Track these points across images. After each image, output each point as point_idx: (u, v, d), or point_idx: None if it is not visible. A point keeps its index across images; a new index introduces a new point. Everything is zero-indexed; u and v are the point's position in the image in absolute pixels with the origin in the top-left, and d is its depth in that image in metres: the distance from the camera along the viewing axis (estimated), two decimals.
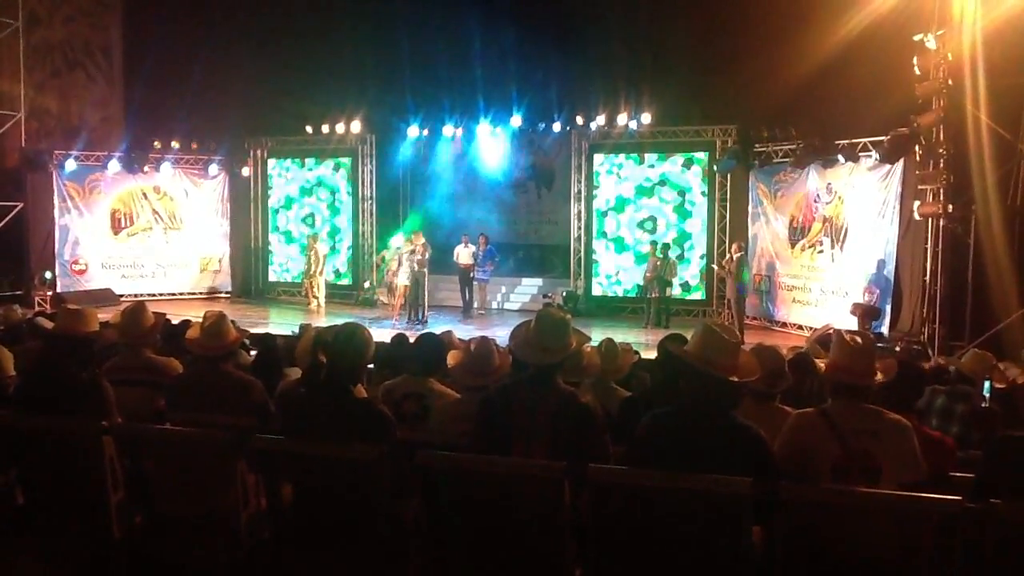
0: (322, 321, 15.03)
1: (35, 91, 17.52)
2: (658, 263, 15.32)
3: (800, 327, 14.17)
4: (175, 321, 6.24)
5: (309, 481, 3.49)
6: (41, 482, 3.91)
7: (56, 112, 18.21)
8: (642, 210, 16.70)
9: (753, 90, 14.28)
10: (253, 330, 9.44)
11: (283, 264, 19.43)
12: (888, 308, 12.58)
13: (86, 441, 3.75)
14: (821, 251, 14.09)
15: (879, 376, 3.42)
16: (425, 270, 15.41)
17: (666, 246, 15.84)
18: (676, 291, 15.72)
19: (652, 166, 16.70)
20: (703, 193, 16.28)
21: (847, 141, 13.19)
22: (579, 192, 17.17)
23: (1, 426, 3.91)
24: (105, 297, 16.95)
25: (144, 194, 18.52)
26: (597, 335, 5.27)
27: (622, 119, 16.38)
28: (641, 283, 15.98)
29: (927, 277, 11.84)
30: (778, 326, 14.96)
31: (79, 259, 17.87)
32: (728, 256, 14.56)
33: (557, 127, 17.11)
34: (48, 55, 17.77)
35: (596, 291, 17.17)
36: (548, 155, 18.62)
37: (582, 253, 17.13)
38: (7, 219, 16.95)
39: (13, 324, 7.24)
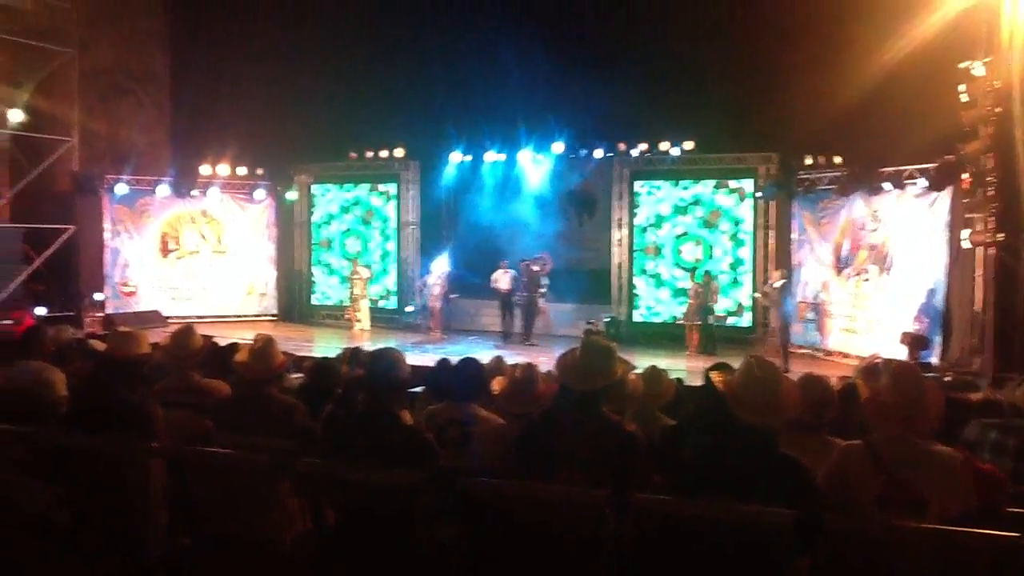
0: (366, 345, 15.12)
1: (87, 116, 17.98)
2: (699, 289, 15.22)
3: (848, 356, 13.96)
4: (222, 343, 6.32)
5: (352, 505, 3.50)
6: (88, 501, 3.97)
7: (106, 137, 18.68)
8: (686, 242, 16.62)
9: (796, 117, 14.19)
10: (298, 353, 9.54)
11: (325, 292, 19.63)
12: (938, 337, 12.34)
13: (133, 462, 3.81)
14: (868, 279, 13.89)
15: (927, 412, 3.34)
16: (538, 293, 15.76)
17: (707, 272, 15.75)
18: (719, 316, 15.54)
19: (692, 192, 16.65)
20: (745, 221, 16.17)
21: (893, 168, 13.04)
22: (620, 218, 17.14)
23: (51, 445, 3.99)
24: (153, 319, 17.26)
25: (192, 218, 18.87)
26: (640, 361, 5.24)
27: (664, 146, 16.39)
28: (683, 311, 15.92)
29: (977, 306, 11.62)
30: (826, 355, 14.74)
31: (128, 281, 18.21)
32: (768, 284, 14.39)
33: (599, 153, 17.17)
34: (99, 81, 18.27)
35: (638, 317, 17.09)
36: (589, 181, 18.65)
37: (623, 279, 17.09)
38: (59, 242, 17.38)
39: (64, 345, 7.35)
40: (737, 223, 16.25)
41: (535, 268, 16.39)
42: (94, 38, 17.66)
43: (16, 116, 16.62)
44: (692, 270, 15.95)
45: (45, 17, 17.01)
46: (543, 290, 16.43)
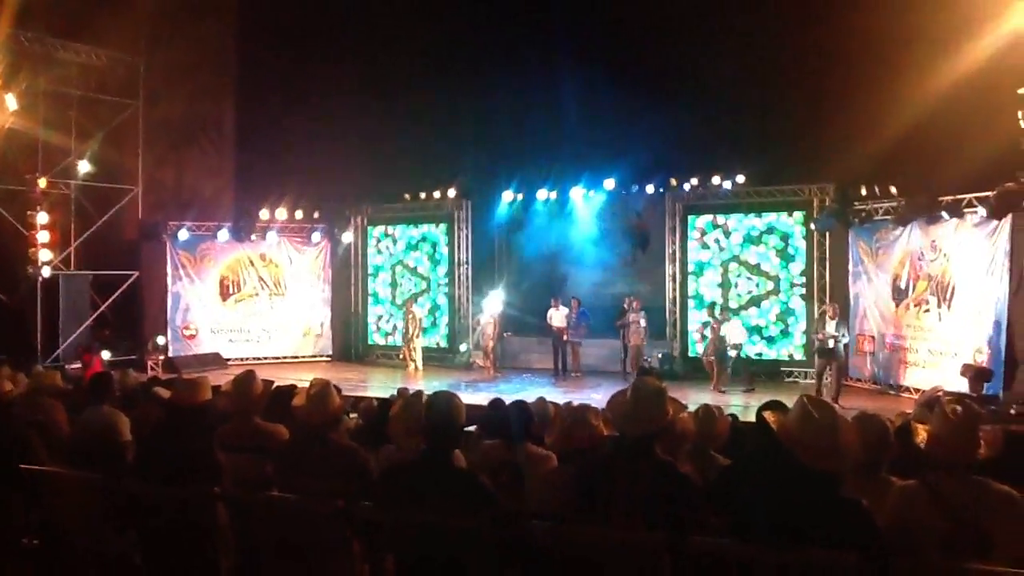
0: (420, 384, 15.27)
1: (152, 165, 18.57)
2: (716, 326, 15.10)
3: (908, 389, 13.68)
4: (280, 384, 6.44)
5: (411, 551, 3.54)
6: (158, 546, 4.09)
7: (170, 185, 19.24)
8: (740, 275, 16.50)
9: (850, 146, 14.05)
10: (354, 393, 9.67)
11: (382, 328, 19.86)
12: (1001, 370, 12.03)
13: (200, 507, 3.92)
14: (927, 310, 13.63)
15: (982, 450, 3.29)
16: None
17: (724, 308, 15.70)
18: (733, 353, 15.24)
19: (746, 225, 16.49)
20: (801, 253, 15.99)
21: (951, 197, 12.84)
22: (673, 253, 17.06)
23: (122, 492, 4.12)
24: (213, 361, 17.62)
25: (251, 261, 19.28)
26: (693, 399, 5.23)
27: (716, 180, 16.35)
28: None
29: None
30: (885, 388, 14.46)
31: (189, 324, 18.62)
32: (823, 325, 13.94)
33: (651, 189, 17.17)
34: (165, 131, 18.84)
35: (692, 352, 16.92)
36: (642, 217, 18.66)
37: (677, 315, 16.98)
38: (124, 287, 17.90)
39: (129, 389, 7.56)
40: (791, 256, 16.06)
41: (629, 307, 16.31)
42: (164, 90, 18.26)
43: (84, 167, 17.23)
44: (712, 306, 15.86)
45: (115, 72, 17.68)
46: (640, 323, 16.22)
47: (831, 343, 13.42)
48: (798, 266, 16.02)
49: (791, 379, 15.66)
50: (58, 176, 17.11)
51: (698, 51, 15.85)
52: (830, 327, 13.50)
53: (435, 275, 19.29)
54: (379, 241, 20.04)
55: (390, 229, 19.89)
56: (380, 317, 19.95)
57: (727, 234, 16.61)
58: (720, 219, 16.74)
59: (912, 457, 4.45)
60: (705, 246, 16.81)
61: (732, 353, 15.21)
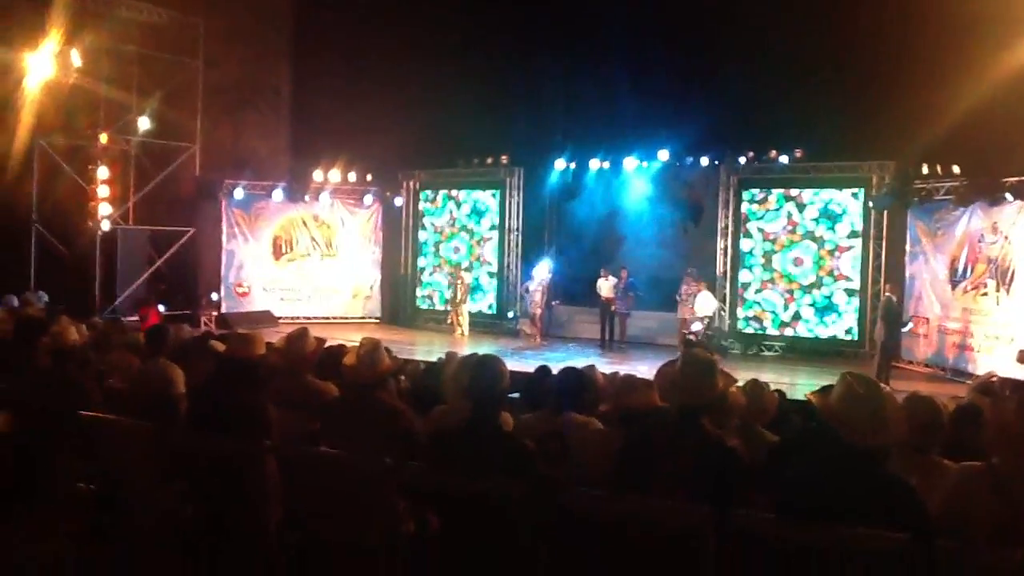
0: (466, 349, 15.35)
1: (210, 125, 18.80)
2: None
3: (962, 373, 13.42)
4: (330, 344, 6.51)
5: (454, 512, 3.58)
6: (208, 498, 4.19)
7: (227, 144, 19.45)
8: (793, 248, 16.24)
9: (911, 124, 13.71)
10: (401, 356, 9.73)
11: (428, 295, 19.97)
12: None
13: (250, 460, 4.00)
14: (985, 293, 13.31)
15: None
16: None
17: (698, 276, 15.85)
18: (698, 327, 15.47)
19: (803, 200, 16.21)
20: (857, 231, 15.69)
21: (1015, 179, 12.48)
22: (726, 227, 16.83)
23: (172, 443, 4.22)
24: (265, 319, 17.91)
25: (304, 222, 19.49)
26: (743, 374, 5.17)
27: (773, 153, 16.07)
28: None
29: None
30: (939, 372, 14.20)
31: (243, 282, 18.93)
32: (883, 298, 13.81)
33: (705, 161, 16.94)
34: (223, 92, 19.04)
35: (742, 327, 16.76)
36: (695, 189, 18.44)
37: (727, 289, 16.79)
38: (180, 243, 18.23)
39: (184, 344, 7.69)
40: (849, 233, 15.76)
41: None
42: (222, 52, 18.46)
43: (144, 124, 17.50)
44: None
45: (176, 32, 17.88)
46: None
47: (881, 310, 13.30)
48: (855, 244, 15.70)
49: (841, 358, 15.37)
50: (119, 132, 17.41)
51: (758, 22, 15.49)
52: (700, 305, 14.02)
53: (486, 241, 19.27)
54: (431, 205, 20.05)
55: (442, 193, 19.89)
56: (429, 277, 20.00)
57: (781, 208, 16.34)
58: (776, 193, 16.45)
59: (968, 442, 4.39)
60: (757, 218, 16.56)
61: (697, 327, 15.11)
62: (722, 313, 16.49)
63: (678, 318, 16.14)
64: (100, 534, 4.46)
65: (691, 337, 15.58)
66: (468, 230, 19.49)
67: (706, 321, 15.42)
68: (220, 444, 4.10)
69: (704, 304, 15.40)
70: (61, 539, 4.57)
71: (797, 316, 16.12)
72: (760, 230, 16.57)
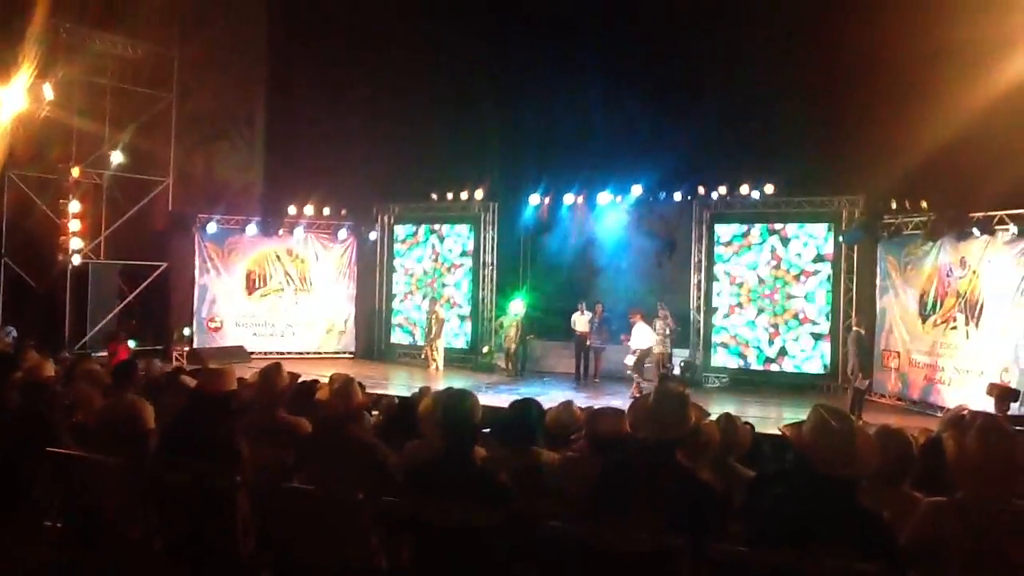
0: (440, 383, 15.27)
1: (183, 157, 18.75)
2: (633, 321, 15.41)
3: (932, 406, 13.53)
4: (304, 379, 6.47)
5: (428, 545, 3.56)
6: (179, 531, 4.13)
7: (201, 178, 19.38)
8: (763, 283, 16.39)
9: (881, 160, 13.96)
10: (374, 391, 9.68)
11: (402, 331, 19.88)
12: None
13: (221, 494, 3.95)
14: (954, 327, 13.47)
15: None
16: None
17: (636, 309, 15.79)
18: (630, 360, 15.47)
19: (775, 235, 16.38)
20: (826, 266, 15.87)
21: (983, 214, 12.70)
22: (699, 261, 16.97)
23: (142, 478, 4.16)
24: (237, 354, 17.73)
25: (277, 256, 19.42)
26: (715, 407, 5.19)
27: (744, 188, 16.26)
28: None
29: None
30: (909, 405, 14.31)
31: (215, 317, 18.77)
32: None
33: (678, 196, 17.11)
34: (197, 125, 19.02)
35: (716, 361, 16.82)
36: (669, 224, 18.59)
37: (701, 323, 16.89)
38: (152, 278, 18.09)
39: (154, 378, 7.62)
40: (818, 268, 15.95)
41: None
42: (196, 84, 18.45)
43: (116, 158, 17.41)
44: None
45: (150, 65, 17.88)
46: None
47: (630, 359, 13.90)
48: (822, 278, 15.89)
49: (813, 392, 15.45)
50: (91, 166, 17.29)
51: (729, 58, 15.76)
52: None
53: (460, 276, 19.25)
54: (405, 240, 20.06)
55: (416, 228, 19.88)
56: (401, 314, 19.92)
57: (752, 244, 16.51)
58: (746, 228, 16.63)
59: (939, 475, 4.41)
60: (729, 255, 16.71)
61: (629, 360, 15.19)
62: (697, 351, 16.59)
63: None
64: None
65: (630, 372, 15.45)
66: (442, 264, 19.44)
67: (637, 353, 15.34)
68: (191, 478, 4.05)
69: (639, 337, 15.35)
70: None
71: (784, 351, 16.19)
72: (727, 273, 16.71)
